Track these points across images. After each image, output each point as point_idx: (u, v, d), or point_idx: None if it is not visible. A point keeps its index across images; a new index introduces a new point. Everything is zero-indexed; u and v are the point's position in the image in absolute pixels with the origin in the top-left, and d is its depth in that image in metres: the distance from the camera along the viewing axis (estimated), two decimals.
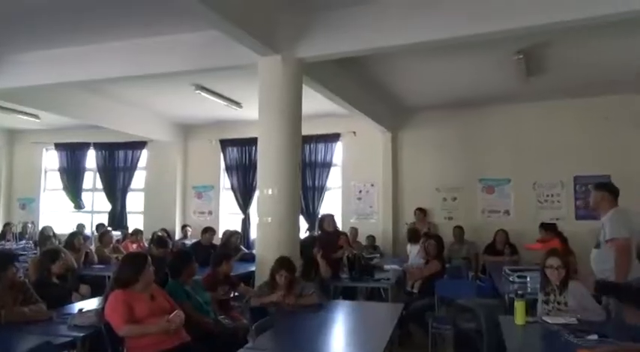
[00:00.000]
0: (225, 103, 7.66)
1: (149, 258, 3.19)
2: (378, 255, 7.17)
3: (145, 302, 3.01)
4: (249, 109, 7.62)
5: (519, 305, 3.18)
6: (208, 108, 8.20)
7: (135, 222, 9.93)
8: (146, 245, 7.18)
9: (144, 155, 10.31)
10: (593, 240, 5.26)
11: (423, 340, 4.81)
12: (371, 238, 8.02)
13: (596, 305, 3.34)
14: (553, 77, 6.35)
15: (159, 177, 10.04)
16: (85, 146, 10.46)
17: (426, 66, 6.16)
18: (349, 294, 5.59)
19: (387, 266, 6.16)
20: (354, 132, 8.75)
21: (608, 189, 4.18)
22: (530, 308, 3.60)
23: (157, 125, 9.41)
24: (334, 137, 8.98)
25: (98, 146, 10.39)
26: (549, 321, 3.12)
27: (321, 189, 8.98)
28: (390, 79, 6.80)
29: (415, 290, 5.34)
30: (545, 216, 7.38)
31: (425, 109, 8.28)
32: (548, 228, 6.48)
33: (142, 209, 10.26)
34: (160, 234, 7.56)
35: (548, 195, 7.57)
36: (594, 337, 2.77)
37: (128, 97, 7.96)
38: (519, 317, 3.16)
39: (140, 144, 10.14)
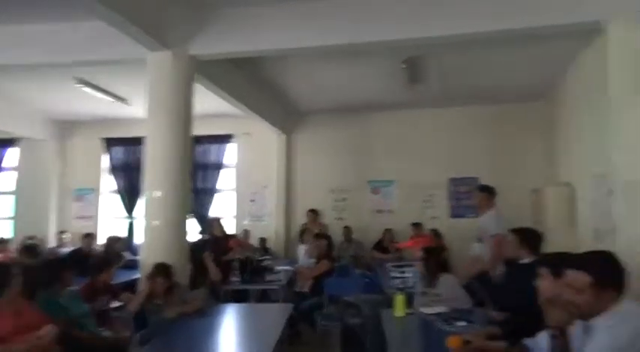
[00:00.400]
0: (110, 99, 7.18)
1: (15, 268, 2.88)
2: (270, 257, 7.21)
3: (10, 319, 2.70)
4: (136, 106, 7.23)
5: (399, 299, 3.43)
6: (91, 103, 7.62)
7: (4, 228, 8.89)
8: (14, 254, 6.46)
9: (14, 154, 9.27)
10: (466, 234, 5.90)
11: (312, 338, 4.95)
12: (262, 240, 8.04)
13: (464, 295, 3.70)
14: (432, 86, 6.88)
15: (32, 178, 9.08)
16: None
17: (319, 70, 6.34)
18: (241, 297, 5.54)
19: (278, 268, 6.21)
20: (249, 134, 8.71)
21: (490, 191, 4.86)
22: (410, 300, 3.89)
23: (30, 121, 8.53)
24: (227, 138, 8.87)
25: None
26: (425, 312, 3.40)
27: (213, 191, 8.80)
28: (285, 81, 6.89)
29: (306, 290, 5.46)
30: (426, 215, 8.00)
31: (318, 113, 8.51)
32: (417, 225, 7.31)
33: (12, 214, 9.21)
34: (29, 241, 6.85)
35: (427, 196, 8.19)
36: (463, 323, 3.07)
37: None
38: (399, 309, 3.40)
39: (8, 142, 9.10)
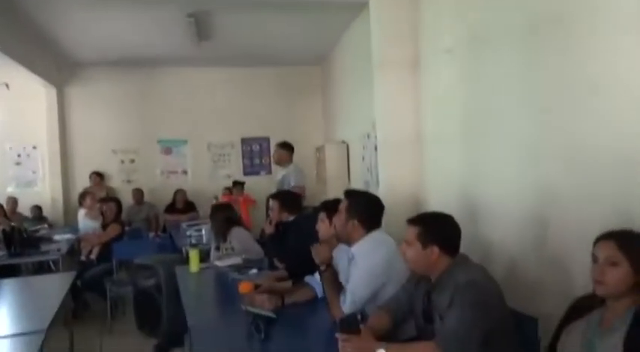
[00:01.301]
0: None
1: None
2: (46, 226, 6.41)
3: None
4: None
5: (193, 254, 3.48)
6: None
7: None
8: None
9: None
10: (260, 191, 6.27)
11: (103, 307, 4.66)
12: (36, 208, 7.07)
13: (256, 246, 3.95)
14: (221, 44, 6.83)
15: None
16: None
17: (93, 17, 5.64)
18: (11, 273, 4.83)
19: (57, 237, 5.59)
20: (7, 85, 7.34)
21: (290, 148, 5.22)
22: (207, 256, 3.98)
23: None
24: None
25: None
26: (219, 264, 3.53)
27: None
28: (53, 26, 5.95)
29: (93, 257, 5.08)
30: (220, 175, 8.11)
31: (96, 65, 7.64)
32: (240, 184, 7.22)
33: None
34: None
35: (221, 155, 8.27)
36: (254, 271, 3.31)
37: None
38: (193, 264, 3.45)
39: None
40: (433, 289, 1.93)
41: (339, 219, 2.42)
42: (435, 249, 1.90)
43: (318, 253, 2.38)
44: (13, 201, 6.88)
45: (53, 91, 7.50)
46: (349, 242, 2.41)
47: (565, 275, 2.39)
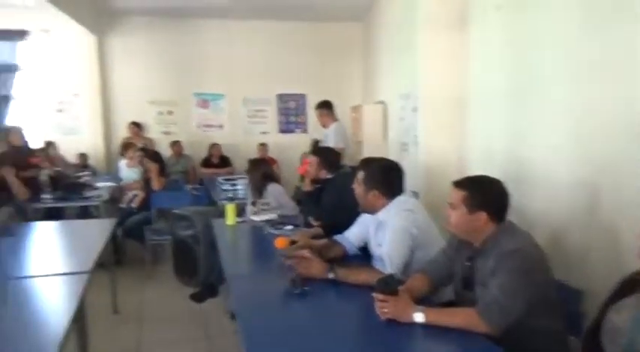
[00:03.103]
0: None
1: None
2: (89, 173, 6.62)
3: None
4: None
5: (230, 208, 3.52)
6: None
7: None
8: None
9: None
10: (295, 149, 6.16)
11: (142, 254, 4.83)
12: (82, 156, 7.29)
13: (290, 202, 3.96)
14: None
15: None
16: None
17: None
18: (55, 216, 5.04)
19: (99, 184, 5.77)
20: (47, 31, 7.39)
21: (328, 105, 5.04)
22: (243, 211, 4.03)
23: None
24: (19, 34, 7.36)
25: None
26: (255, 219, 3.57)
27: (5, 99, 7.42)
28: None
29: (134, 206, 5.24)
30: (255, 130, 8.12)
31: (136, 14, 7.59)
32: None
33: None
34: None
35: (257, 111, 8.24)
36: (289, 227, 3.33)
37: None
38: (230, 218, 3.50)
39: None
40: (477, 255, 1.88)
41: (358, 190, 2.37)
42: (483, 215, 1.83)
43: (310, 270, 2.19)
44: (54, 146, 7.06)
45: (94, 39, 7.53)
46: (373, 212, 2.38)
47: (615, 247, 2.29)
